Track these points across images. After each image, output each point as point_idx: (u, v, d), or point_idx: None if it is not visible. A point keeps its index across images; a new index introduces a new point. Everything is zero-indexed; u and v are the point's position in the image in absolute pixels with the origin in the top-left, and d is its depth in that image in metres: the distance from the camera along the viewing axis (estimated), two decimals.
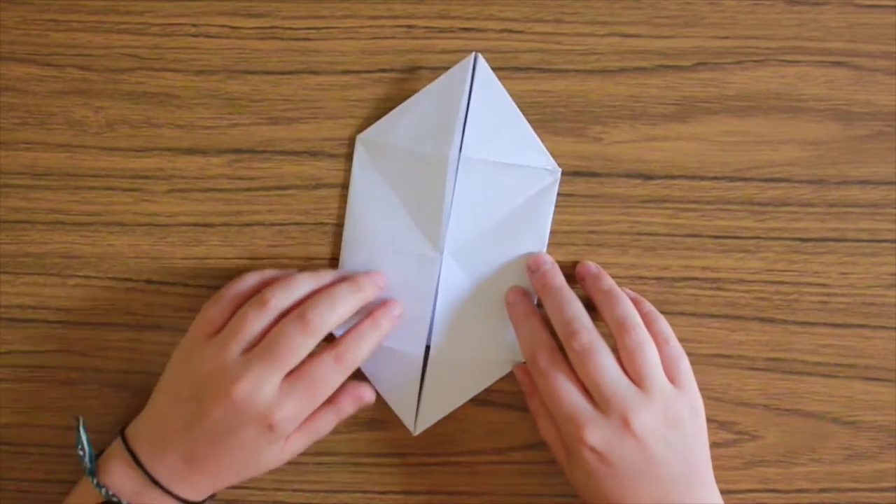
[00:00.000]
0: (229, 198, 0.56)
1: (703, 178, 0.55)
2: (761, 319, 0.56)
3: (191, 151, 0.55)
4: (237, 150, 0.55)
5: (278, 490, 0.57)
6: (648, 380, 0.50)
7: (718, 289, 0.56)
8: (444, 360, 0.56)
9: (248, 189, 0.56)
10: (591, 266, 0.55)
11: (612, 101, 0.55)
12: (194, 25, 0.55)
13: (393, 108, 0.55)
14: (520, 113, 0.54)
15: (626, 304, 0.52)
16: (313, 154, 0.55)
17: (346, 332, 0.52)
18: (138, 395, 0.56)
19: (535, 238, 0.55)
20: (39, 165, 0.56)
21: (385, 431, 0.57)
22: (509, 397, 0.56)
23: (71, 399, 0.57)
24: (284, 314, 0.51)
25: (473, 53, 0.53)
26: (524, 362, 0.54)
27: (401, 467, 0.57)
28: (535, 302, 0.55)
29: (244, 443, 0.50)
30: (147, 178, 0.56)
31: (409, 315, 0.55)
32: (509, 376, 0.56)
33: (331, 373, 0.51)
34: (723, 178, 0.55)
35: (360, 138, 0.55)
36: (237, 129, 0.55)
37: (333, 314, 0.51)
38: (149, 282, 0.56)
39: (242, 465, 0.51)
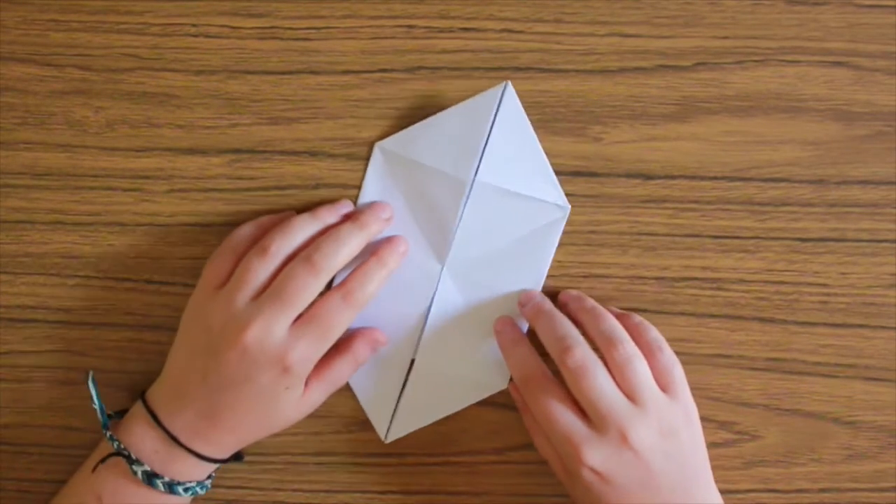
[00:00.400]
0: (229, 198, 0.56)
1: (703, 178, 0.55)
2: (761, 319, 0.56)
3: (191, 151, 0.55)
4: (237, 150, 0.55)
5: (278, 490, 0.57)
6: (641, 393, 0.50)
7: (718, 289, 0.56)
8: (426, 374, 0.56)
9: (248, 189, 0.56)
10: (572, 292, 0.55)
11: (612, 101, 0.55)
12: (194, 25, 0.55)
13: (393, 107, 0.55)
14: (539, 146, 0.54)
15: (610, 320, 0.52)
16: (313, 154, 0.55)
17: (353, 271, 0.52)
18: (138, 395, 0.56)
19: (534, 273, 0.55)
20: (39, 165, 0.56)
21: None
22: (509, 397, 0.56)
23: (71, 399, 0.57)
24: (291, 258, 0.51)
25: (505, 82, 0.53)
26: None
27: (401, 467, 0.57)
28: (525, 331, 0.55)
29: (261, 390, 0.50)
30: (147, 178, 0.56)
31: (401, 324, 0.55)
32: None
33: (339, 311, 0.51)
34: (723, 178, 0.55)
35: (380, 146, 0.55)
36: (237, 129, 0.55)
37: (339, 254, 0.51)
38: (149, 282, 0.56)
39: (262, 416, 0.51)
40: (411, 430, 0.56)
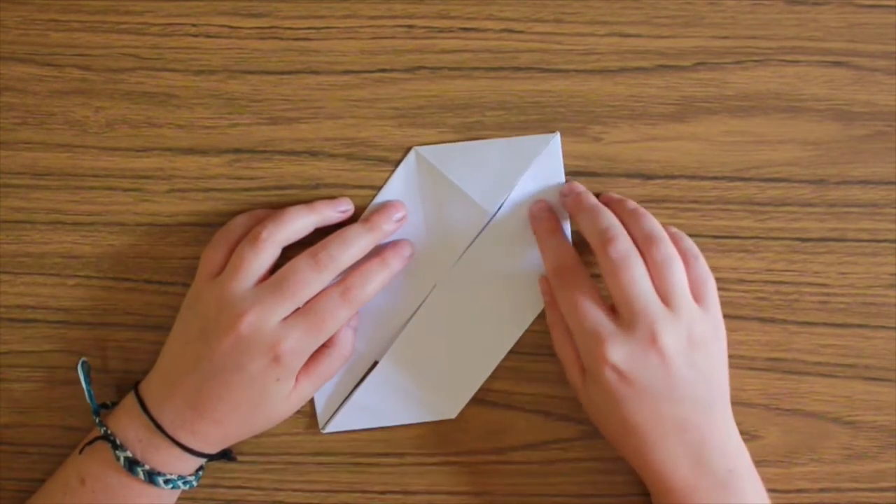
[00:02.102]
0: (229, 198, 0.56)
1: (703, 178, 0.55)
2: (761, 319, 0.56)
3: (191, 151, 0.55)
4: (237, 150, 0.55)
5: (278, 490, 0.57)
6: (676, 298, 0.49)
7: (718, 289, 0.56)
8: (383, 380, 0.56)
9: (248, 189, 0.56)
10: (613, 194, 0.54)
11: (612, 101, 0.55)
12: (194, 25, 0.55)
13: (393, 107, 0.55)
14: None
15: (652, 220, 0.51)
16: (313, 154, 0.55)
17: (354, 269, 0.52)
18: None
19: (519, 320, 0.55)
20: (39, 165, 0.56)
21: (385, 431, 0.57)
22: (509, 397, 0.56)
23: (71, 399, 0.57)
24: (287, 249, 0.51)
25: (556, 133, 0.54)
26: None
27: (401, 467, 0.57)
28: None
29: (251, 379, 0.50)
30: (147, 178, 0.56)
31: (377, 323, 0.55)
32: (507, 375, 0.56)
33: (336, 307, 0.51)
34: (723, 178, 0.55)
35: (417, 151, 0.55)
36: (237, 129, 0.55)
37: (346, 254, 0.51)
38: (149, 282, 0.56)
39: (250, 409, 0.51)
40: (350, 428, 0.56)
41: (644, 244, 0.50)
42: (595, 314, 0.50)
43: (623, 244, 0.50)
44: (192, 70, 0.55)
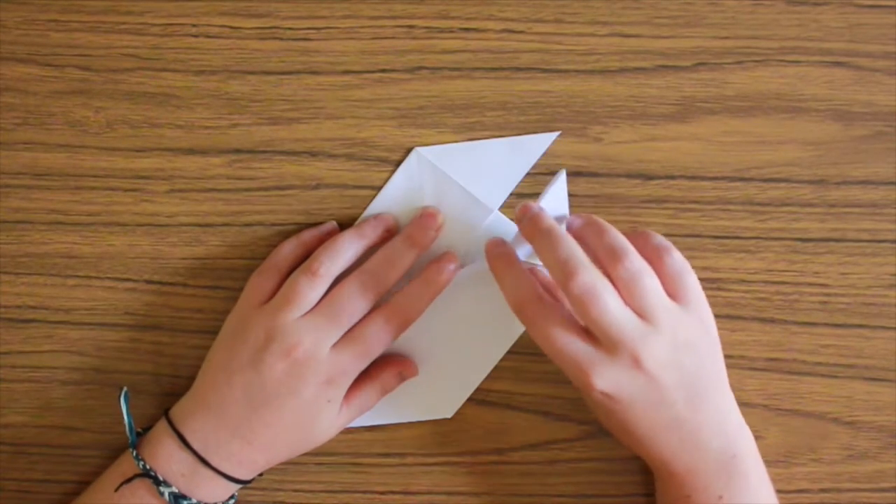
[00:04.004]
0: (229, 198, 0.56)
1: (703, 178, 0.55)
2: (761, 319, 0.56)
3: (191, 151, 0.55)
4: (237, 150, 0.55)
5: (278, 490, 0.57)
6: (652, 309, 0.47)
7: (718, 289, 0.56)
8: None
9: (248, 189, 0.56)
10: (578, 217, 0.52)
11: (612, 101, 0.55)
12: (194, 25, 0.55)
13: (393, 107, 0.55)
14: (566, 201, 0.53)
15: (613, 233, 0.49)
16: (313, 154, 0.55)
17: (399, 292, 0.53)
18: (138, 395, 0.56)
19: (514, 326, 0.55)
20: (39, 165, 0.56)
21: (385, 431, 0.57)
22: (509, 397, 0.56)
23: (71, 399, 0.57)
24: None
25: (558, 133, 0.54)
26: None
27: (401, 467, 0.57)
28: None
29: (304, 403, 0.51)
30: (147, 178, 0.56)
31: None
32: (507, 375, 0.56)
33: (382, 332, 0.52)
34: (723, 178, 0.55)
35: (418, 151, 0.55)
36: (237, 129, 0.55)
37: (393, 274, 0.52)
38: (149, 282, 0.56)
39: (299, 432, 0.52)
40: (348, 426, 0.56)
41: (609, 261, 0.48)
42: (570, 344, 0.47)
43: (584, 277, 0.47)
44: (193, 70, 0.55)
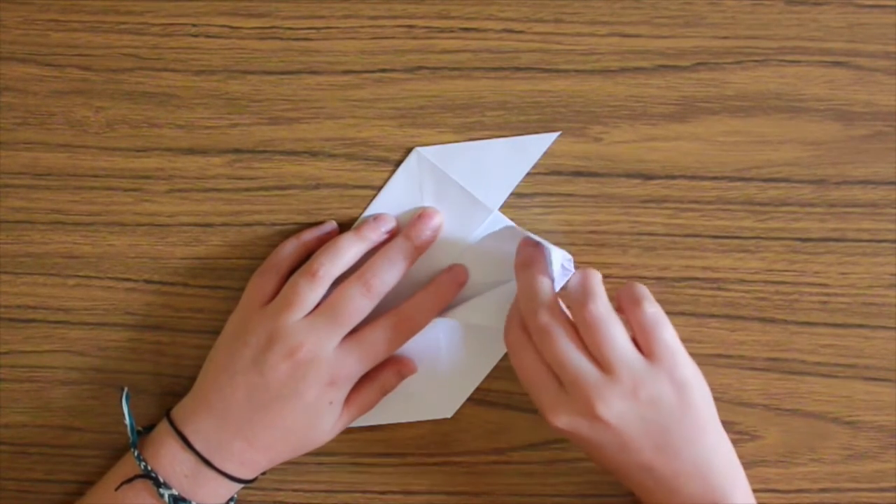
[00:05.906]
0: (229, 198, 0.56)
1: (703, 178, 0.55)
2: (761, 319, 0.56)
3: (191, 151, 0.55)
4: (237, 150, 0.55)
5: (278, 490, 0.57)
6: (611, 360, 0.46)
7: (718, 289, 0.56)
8: None
9: (248, 189, 0.56)
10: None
11: (612, 101, 0.55)
12: (194, 25, 0.55)
13: (393, 107, 0.55)
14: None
15: (588, 277, 0.48)
16: (313, 154, 0.55)
17: (408, 300, 0.53)
18: (138, 395, 0.56)
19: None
20: (39, 165, 0.56)
21: (385, 431, 0.57)
22: (509, 397, 0.56)
23: (71, 399, 0.57)
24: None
25: (558, 133, 0.54)
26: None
27: (401, 467, 0.57)
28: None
29: (307, 405, 0.51)
30: (147, 178, 0.56)
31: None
32: (507, 375, 0.56)
33: (389, 338, 0.52)
34: (723, 178, 0.55)
35: (418, 151, 0.55)
36: (237, 129, 0.55)
37: (393, 274, 0.52)
38: (149, 282, 0.56)
39: (300, 433, 0.52)
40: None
41: (574, 305, 0.47)
42: (537, 377, 0.48)
43: (541, 317, 0.47)
44: (193, 70, 0.55)
